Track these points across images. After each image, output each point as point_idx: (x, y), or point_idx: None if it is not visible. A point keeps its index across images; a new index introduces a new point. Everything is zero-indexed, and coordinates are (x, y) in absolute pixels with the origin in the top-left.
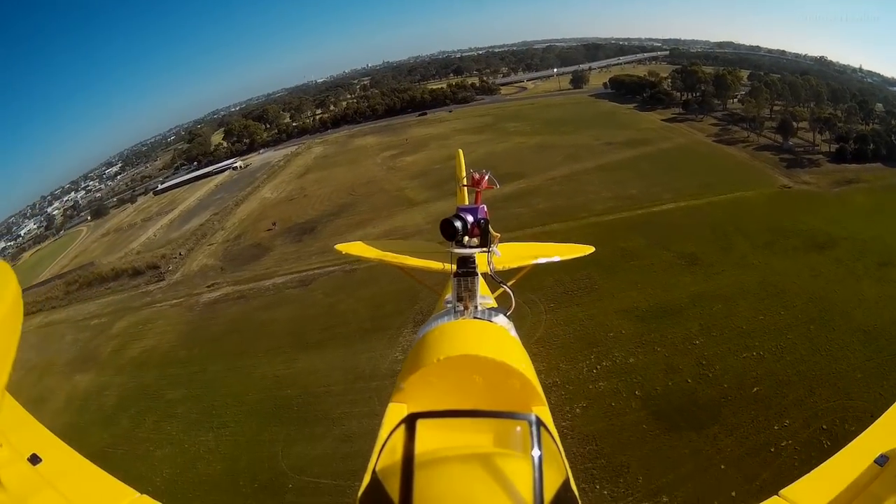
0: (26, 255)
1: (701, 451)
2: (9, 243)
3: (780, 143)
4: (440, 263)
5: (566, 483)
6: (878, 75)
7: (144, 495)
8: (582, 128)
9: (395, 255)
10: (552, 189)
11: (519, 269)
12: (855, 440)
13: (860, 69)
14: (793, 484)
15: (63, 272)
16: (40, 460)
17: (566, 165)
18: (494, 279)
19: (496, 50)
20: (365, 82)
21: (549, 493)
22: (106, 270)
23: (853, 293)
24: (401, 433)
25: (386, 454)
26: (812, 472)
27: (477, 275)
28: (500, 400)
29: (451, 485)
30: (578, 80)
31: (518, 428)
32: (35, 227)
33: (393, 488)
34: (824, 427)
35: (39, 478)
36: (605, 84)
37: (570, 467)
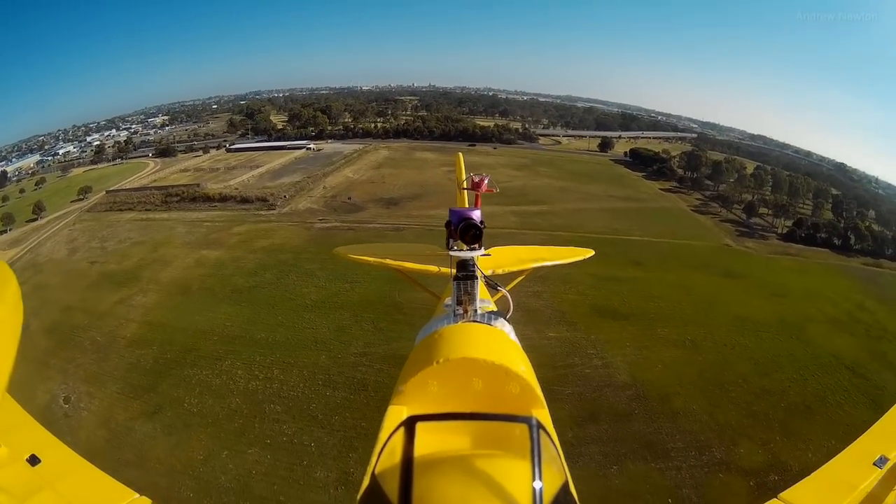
0: (78, 170)
1: (615, 327)
2: (46, 157)
3: (744, 219)
4: (439, 267)
5: (565, 486)
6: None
7: (143, 496)
8: (596, 182)
9: (395, 258)
10: (564, 214)
11: (520, 272)
12: (854, 443)
13: (877, 180)
14: (793, 487)
15: (158, 185)
16: (39, 461)
17: (578, 203)
18: (490, 283)
19: (540, 99)
20: (415, 102)
21: (548, 497)
22: (213, 192)
23: (740, 300)
24: (400, 436)
25: (385, 456)
26: (812, 474)
27: (476, 278)
28: (499, 403)
29: (451, 488)
30: (606, 146)
31: (518, 431)
32: (75, 150)
33: (392, 491)
34: (689, 338)
35: (39, 478)
36: (625, 153)
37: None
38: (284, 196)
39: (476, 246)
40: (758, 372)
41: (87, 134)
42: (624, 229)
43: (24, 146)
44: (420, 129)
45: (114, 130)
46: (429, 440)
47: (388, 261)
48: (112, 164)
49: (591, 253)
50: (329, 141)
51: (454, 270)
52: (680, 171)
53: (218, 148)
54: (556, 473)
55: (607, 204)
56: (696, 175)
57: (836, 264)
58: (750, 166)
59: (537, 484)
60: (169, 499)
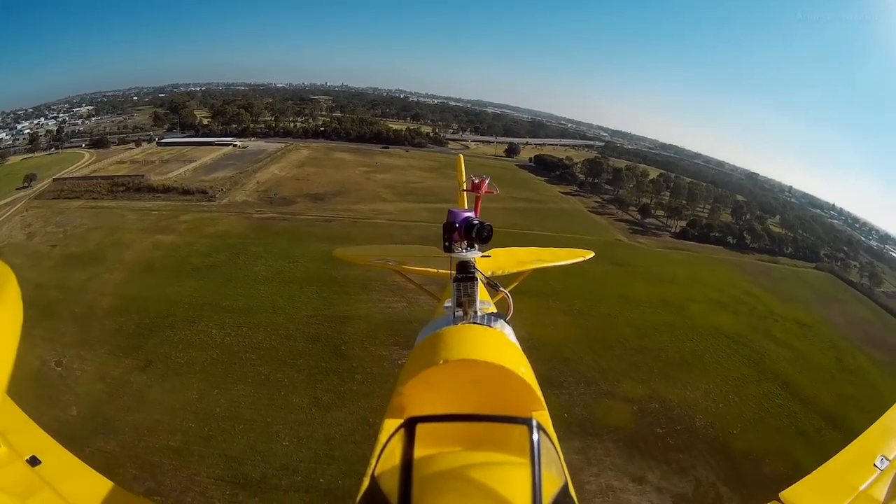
0: (15, 158)
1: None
2: None
3: (638, 219)
4: (438, 269)
5: (565, 488)
6: (810, 196)
7: (142, 497)
8: (500, 185)
9: (394, 259)
10: None
11: (519, 273)
12: (853, 443)
13: (790, 189)
14: (792, 486)
15: (104, 175)
16: (39, 462)
17: (482, 204)
18: (490, 284)
19: (451, 103)
20: (329, 102)
21: (547, 498)
22: (156, 184)
23: (625, 283)
24: (400, 437)
25: (385, 458)
26: (811, 474)
27: (476, 280)
28: (499, 404)
29: (450, 489)
30: (512, 151)
31: (517, 432)
32: (7, 138)
33: (392, 492)
34: (577, 308)
35: (39, 479)
36: (530, 159)
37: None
38: (222, 189)
39: (476, 247)
40: (638, 335)
41: (16, 121)
42: (523, 225)
43: None
44: (337, 129)
45: (42, 119)
46: (429, 442)
47: (385, 262)
48: (48, 153)
49: (591, 254)
50: (252, 139)
51: (454, 272)
52: (581, 177)
53: (149, 141)
54: (555, 475)
55: (509, 204)
56: (596, 180)
57: (727, 259)
58: (654, 173)
59: (537, 485)
60: (173, 429)
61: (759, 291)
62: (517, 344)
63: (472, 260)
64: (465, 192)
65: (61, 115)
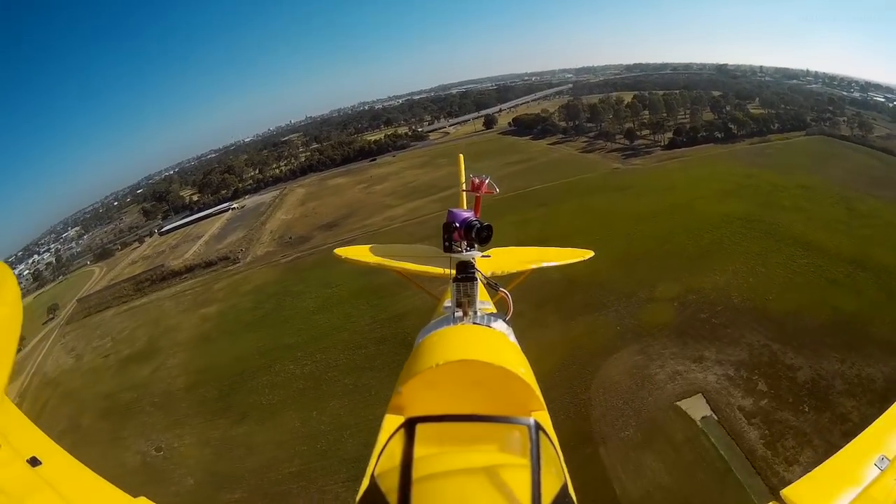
0: (27, 299)
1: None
2: None
3: (627, 144)
4: (439, 268)
5: (564, 488)
6: (783, 69)
7: (142, 497)
8: (490, 156)
9: (393, 259)
10: None
11: (518, 273)
12: (854, 441)
13: (761, 68)
14: (793, 484)
15: (124, 278)
16: (40, 463)
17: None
18: (490, 284)
19: (416, 97)
20: (302, 138)
21: (547, 499)
22: (177, 267)
23: (633, 204)
24: (400, 437)
25: (385, 458)
26: (812, 472)
27: (476, 280)
28: (499, 405)
29: (450, 490)
30: (490, 122)
31: (517, 433)
32: None
33: (391, 492)
34: (596, 238)
35: (39, 480)
36: (509, 123)
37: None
38: (241, 249)
39: (475, 247)
40: (659, 244)
41: (11, 266)
42: (523, 185)
43: None
44: (321, 160)
45: (35, 256)
46: (428, 442)
47: (386, 262)
48: (57, 282)
49: (591, 254)
50: (246, 196)
51: (454, 272)
52: (562, 125)
53: (150, 235)
54: (555, 475)
55: (504, 171)
56: (576, 123)
57: (720, 152)
58: (627, 97)
59: (536, 485)
60: (290, 457)
61: (757, 171)
62: (517, 344)
63: (472, 260)
64: (464, 193)
65: (52, 245)
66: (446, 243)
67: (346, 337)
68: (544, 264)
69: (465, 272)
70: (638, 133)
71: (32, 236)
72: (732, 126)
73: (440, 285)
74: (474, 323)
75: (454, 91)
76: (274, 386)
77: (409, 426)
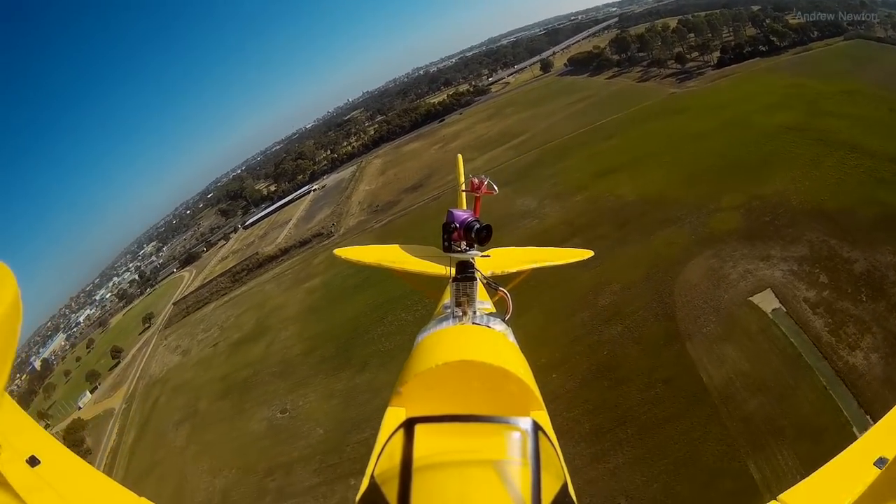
0: (117, 317)
1: (612, 179)
2: (70, 331)
3: (679, 68)
4: (439, 268)
5: (564, 488)
6: None
7: (143, 498)
8: (552, 99)
9: (392, 259)
10: (542, 133)
11: (517, 273)
12: (854, 444)
13: None
14: (791, 488)
15: (218, 274)
16: (39, 462)
17: (547, 121)
18: (490, 284)
19: (468, 54)
20: (361, 114)
21: (546, 499)
22: (272, 251)
23: (691, 124)
24: (399, 438)
25: (384, 458)
26: (810, 476)
27: (476, 280)
28: (498, 405)
29: (449, 490)
30: (547, 66)
31: (516, 433)
32: (94, 311)
33: (391, 493)
34: (665, 161)
35: (39, 479)
36: (564, 64)
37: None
38: (333, 224)
39: (475, 247)
40: (720, 158)
41: (90, 295)
42: (590, 121)
43: (37, 338)
44: (391, 129)
45: (115, 278)
46: (428, 442)
47: (386, 261)
48: (145, 296)
49: (590, 254)
50: (324, 177)
51: (453, 272)
52: (615, 58)
53: (235, 231)
54: (554, 475)
55: (569, 110)
56: (628, 54)
57: (766, 66)
58: (672, 23)
59: (536, 486)
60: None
61: (802, 80)
62: (516, 344)
63: (472, 260)
64: (464, 193)
65: (129, 264)
66: (446, 243)
67: None
68: (544, 264)
69: (465, 272)
70: (687, 56)
71: (105, 262)
72: (774, 38)
73: (440, 285)
74: (473, 323)
75: (505, 42)
76: (389, 334)
77: (409, 426)
